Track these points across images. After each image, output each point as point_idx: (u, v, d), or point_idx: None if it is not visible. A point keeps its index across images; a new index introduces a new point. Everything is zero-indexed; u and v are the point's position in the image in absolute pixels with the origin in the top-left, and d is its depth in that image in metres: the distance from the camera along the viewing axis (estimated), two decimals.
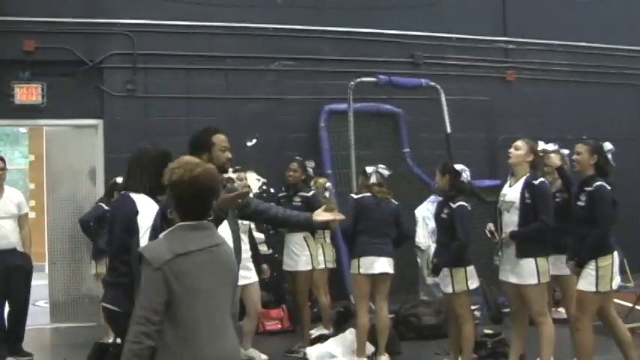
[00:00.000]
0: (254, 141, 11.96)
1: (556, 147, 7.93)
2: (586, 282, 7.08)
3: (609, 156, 7.29)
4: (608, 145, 7.31)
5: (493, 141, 13.14)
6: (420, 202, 10.74)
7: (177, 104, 11.67)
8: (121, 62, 11.57)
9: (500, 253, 7.55)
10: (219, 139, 5.68)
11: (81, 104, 11.42)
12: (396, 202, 8.71)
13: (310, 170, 10.04)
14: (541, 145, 7.77)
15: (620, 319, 7.68)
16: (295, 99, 12.20)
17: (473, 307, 9.24)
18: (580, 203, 7.20)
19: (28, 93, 11.10)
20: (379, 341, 8.60)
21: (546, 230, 7.35)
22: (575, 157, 7.35)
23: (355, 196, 8.64)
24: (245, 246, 7.95)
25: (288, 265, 9.57)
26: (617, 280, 7.18)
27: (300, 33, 12.31)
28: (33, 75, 11.14)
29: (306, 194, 9.49)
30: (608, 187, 7.08)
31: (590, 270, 7.04)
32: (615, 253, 7.14)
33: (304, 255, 9.46)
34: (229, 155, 5.72)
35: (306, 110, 12.11)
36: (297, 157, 10.00)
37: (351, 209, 8.47)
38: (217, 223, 4.82)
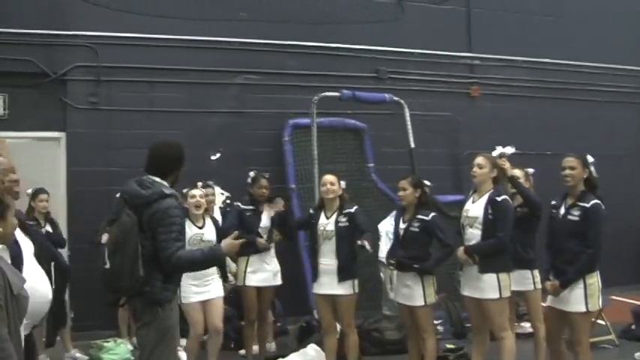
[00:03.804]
0: (218, 155, 11.90)
1: (513, 149, 7.73)
2: (576, 304, 6.83)
3: (592, 168, 6.99)
4: (590, 158, 7.01)
5: (457, 156, 13.21)
6: (384, 217, 10.69)
7: (140, 117, 11.56)
8: (84, 75, 11.43)
9: (463, 269, 7.54)
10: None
11: (43, 116, 11.26)
12: None
13: None
14: (499, 150, 7.69)
15: None
16: (259, 113, 12.17)
17: (435, 322, 9.25)
18: (572, 218, 6.88)
19: None
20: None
21: (502, 247, 7.27)
22: (568, 171, 6.93)
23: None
24: None
25: (258, 280, 9.06)
26: (601, 299, 6.99)
27: (265, 47, 12.29)
28: None
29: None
30: (603, 207, 6.83)
31: (579, 289, 6.80)
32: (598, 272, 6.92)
33: (277, 270, 9.18)
34: None
35: (270, 124, 12.06)
36: (255, 172, 9.43)
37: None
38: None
